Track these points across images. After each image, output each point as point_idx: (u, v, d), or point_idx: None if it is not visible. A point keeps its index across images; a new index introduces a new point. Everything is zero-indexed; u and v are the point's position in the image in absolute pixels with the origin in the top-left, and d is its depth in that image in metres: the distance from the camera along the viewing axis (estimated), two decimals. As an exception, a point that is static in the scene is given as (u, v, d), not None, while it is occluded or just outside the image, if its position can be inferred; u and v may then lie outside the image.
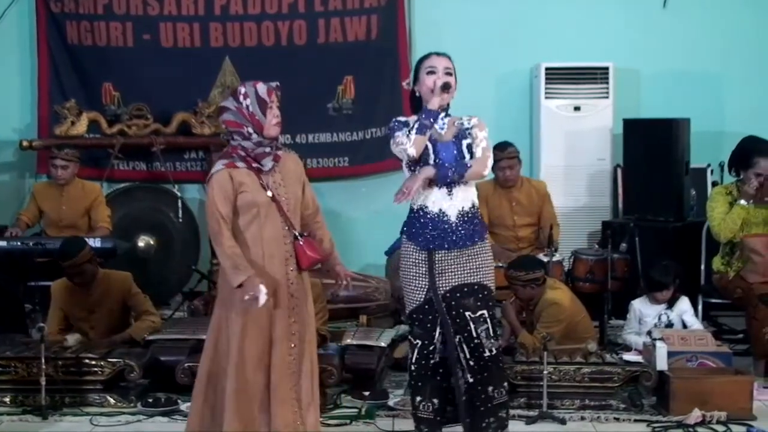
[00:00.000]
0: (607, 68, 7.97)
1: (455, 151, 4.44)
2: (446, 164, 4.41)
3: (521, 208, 7.14)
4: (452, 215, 4.43)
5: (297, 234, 4.33)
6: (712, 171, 7.95)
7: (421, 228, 4.45)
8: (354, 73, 8.29)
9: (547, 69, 7.97)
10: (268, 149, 4.31)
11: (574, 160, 8.00)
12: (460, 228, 4.43)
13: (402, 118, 4.49)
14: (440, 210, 4.43)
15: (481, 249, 4.48)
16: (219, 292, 4.40)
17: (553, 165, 7.97)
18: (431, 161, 4.42)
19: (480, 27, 8.20)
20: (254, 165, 4.28)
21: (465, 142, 4.46)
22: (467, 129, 4.49)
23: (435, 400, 4.47)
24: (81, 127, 7.91)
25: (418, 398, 4.50)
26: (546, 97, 7.97)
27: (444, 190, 4.43)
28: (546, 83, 7.96)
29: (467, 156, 4.44)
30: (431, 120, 4.36)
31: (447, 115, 4.53)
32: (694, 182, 7.67)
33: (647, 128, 7.68)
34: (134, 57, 8.21)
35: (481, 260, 4.47)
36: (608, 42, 8.17)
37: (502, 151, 6.94)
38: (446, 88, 4.37)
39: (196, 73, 8.18)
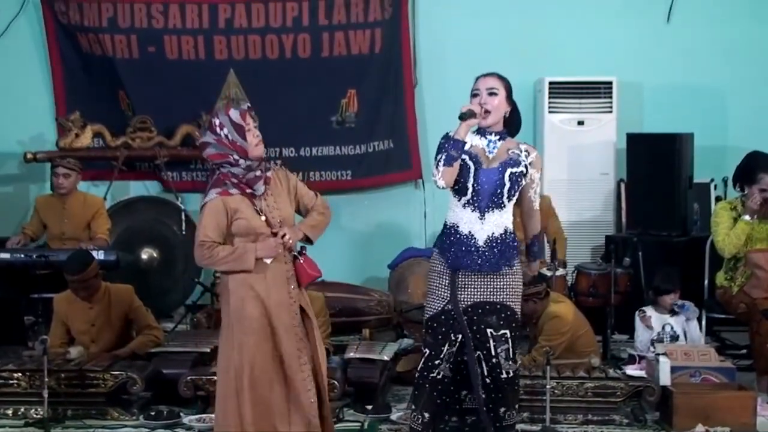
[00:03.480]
0: (610, 82, 7.99)
1: (495, 181, 4.38)
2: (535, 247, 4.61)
3: (525, 222, 7.12)
4: (480, 239, 4.40)
5: (296, 254, 4.38)
6: (715, 186, 7.95)
7: (450, 246, 4.43)
8: (357, 86, 8.29)
9: (550, 83, 7.99)
10: (258, 173, 4.32)
11: (577, 174, 8.00)
12: (486, 253, 4.39)
13: (452, 133, 4.34)
14: (470, 232, 4.40)
15: (507, 273, 4.44)
16: (222, 317, 4.40)
17: (556, 179, 7.97)
18: (469, 185, 4.37)
19: (483, 41, 8.21)
20: (248, 191, 4.30)
21: (509, 171, 4.39)
22: (520, 162, 4.42)
23: (425, 414, 4.45)
24: (85, 139, 7.92)
25: (412, 407, 4.51)
26: (549, 111, 8.00)
27: (476, 213, 4.40)
28: (549, 97, 7.98)
29: (507, 185, 4.38)
30: (458, 151, 4.30)
31: (502, 137, 4.47)
32: (697, 197, 7.67)
33: (651, 143, 7.68)
34: (139, 69, 8.22)
35: (506, 282, 4.44)
36: (612, 56, 8.18)
37: None
38: (461, 118, 4.30)
39: (200, 86, 8.19)
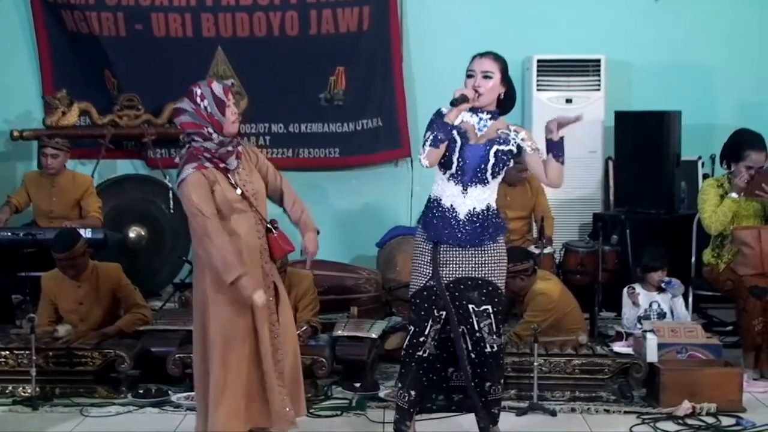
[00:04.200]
0: (599, 61, 7.97)
1: (480, 156, 4.39)
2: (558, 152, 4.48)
3: (515, 202, 7.12)
4: (461, 213, 4.42)
5: (270, 226, 4.38)
6: (702, 163, 7.97)
7: (432, 219, 4.45)
8: (346, 64, 8.26)
9: (539, 61, 7.97)
10: (230, 148, 4.31)
11: (565, 152, 7.95)
12: (466, 226, 4.41)
13: (444, 110, 4.38)
14: (451, 205, 4.43)
15: (490, 248, 4.46)
16: (195, 291, 4.40)
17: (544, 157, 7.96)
18: (455, 159, 4.38)
19: (472, 19, 8.19)
20: (221, 165, 4.28)
21: (496, 148, 4.41)
22: (509, 141, 4.45)
23: (412, 392, 4.49)
24: (72, 117, 7.88)
25: (399, 385, 4.54)
26: (538, 90, 7.98)
27: (459, 187, 4.41)
28: (538, 75, 7.96)
29: (492, 161, 4.39)
30: (445, 134, 4.31)
31: (493, 117, 4.48)
32: (684, 175, 7.69)
33: (639, 121, 7.69)
34: (126, 47, 8.17)
35: (488, 257, 4.45)
36: (600, 35, 8.17)
37: None
38: (453, 104, 4.31)
39: (187, 64, 8.14)
